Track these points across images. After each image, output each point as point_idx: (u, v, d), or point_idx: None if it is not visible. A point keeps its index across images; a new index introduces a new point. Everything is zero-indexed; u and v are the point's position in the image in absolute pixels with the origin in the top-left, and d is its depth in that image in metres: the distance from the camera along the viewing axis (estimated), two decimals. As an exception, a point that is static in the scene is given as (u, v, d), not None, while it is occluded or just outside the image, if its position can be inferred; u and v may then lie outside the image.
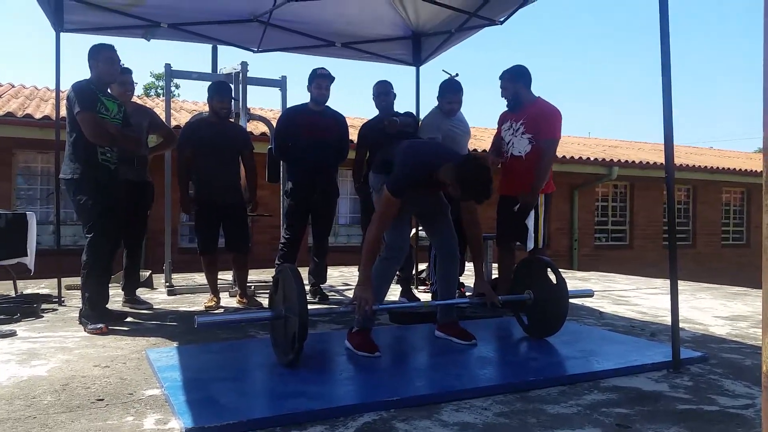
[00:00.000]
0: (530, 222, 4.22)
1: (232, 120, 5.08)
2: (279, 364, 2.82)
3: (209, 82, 4.69)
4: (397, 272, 5.24)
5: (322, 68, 4.68)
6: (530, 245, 4.29)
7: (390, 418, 2.21)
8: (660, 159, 12.50)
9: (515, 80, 4.33)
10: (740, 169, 14.23)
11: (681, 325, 3.55)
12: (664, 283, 6.28)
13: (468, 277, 6.19)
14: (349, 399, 2.38)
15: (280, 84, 5.66)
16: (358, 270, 3.02)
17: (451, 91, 4.53)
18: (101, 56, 3.80)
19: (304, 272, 5.31)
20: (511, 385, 2.57)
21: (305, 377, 2.63)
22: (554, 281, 3.37)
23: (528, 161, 4.20)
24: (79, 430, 2.06)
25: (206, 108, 4.72)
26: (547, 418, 2.23)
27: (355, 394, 2.50)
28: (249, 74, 5.42)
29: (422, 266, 6.01)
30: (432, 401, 2.37)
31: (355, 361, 2.96)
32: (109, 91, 4.00)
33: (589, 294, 3.73)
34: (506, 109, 4.46)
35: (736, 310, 4.79)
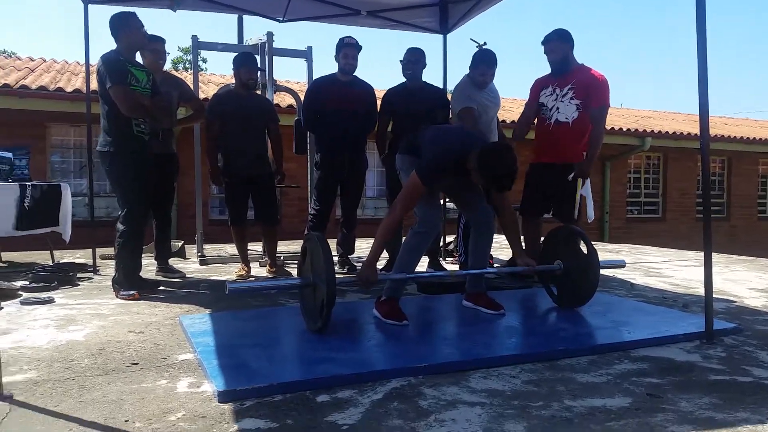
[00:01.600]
0: (587, 191, 4.16)
1: (258, 92, 5.08)
2: (308, 330, 2.86)
3: (235, 54, 4.68)
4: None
5: (349, 37, 4.62)
6: (591, 215, 4.23)
7: (418, 384, 2.22)
8: (694, 129, 12.19)
9: (566, 41, 4.20)
10: (778, 140, 13.81)
11: (714, 296, 3.48)
12: (697, 255, 6.15)
13: (496, 249, 6.16)
14: (377, 365, 2.40)
15: (306, 55, 5.63)
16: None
17: (485, 63, 4.45)
18: (126, 24, 3.81)
19: (332, 243, 5.37)
20: (540, 353, 2.56)
21: (334, 344, 2.66)
22: (585, 251, 3.33)
23: (575, 128, 4.10)
24: (115, 392, 2.12)
25: (233, 80, 4.72)
26: (577, 386, 2.22)
27: (384, 360, 2.53)
28: (275, 45, 5.40)
29: (449, 238, 5.99)
30: (460, 368, 2.37)
31: (384, 329, 2.98)
32: (138, 59, 4.02)
33: (620, 265, 3.68)
34: (549, 73, 4.33)
35: (772, 283, 4.68)
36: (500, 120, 4.92)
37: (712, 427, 1.86)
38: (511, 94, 13.89)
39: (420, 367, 2.34)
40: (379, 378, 2.26)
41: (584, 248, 3.36)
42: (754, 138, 13.66)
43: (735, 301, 3.88)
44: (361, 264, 5.32)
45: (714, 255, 5.98)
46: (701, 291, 2.87)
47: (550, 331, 3.05)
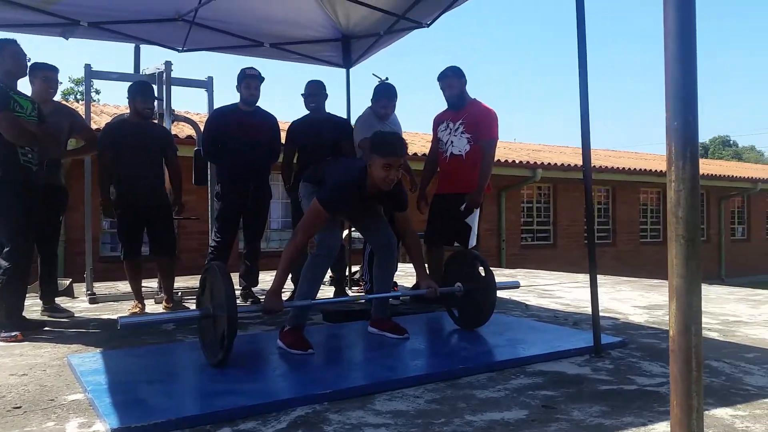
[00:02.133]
0: (474, 221, 4.31)
1: (155, 121, 4.94)
2: (209, 364, 2.77)
3: (131, 83, 4.54)
4: (330, 274, 5.27)
5: (251, 68, 4.62)
6: (472, 242, 4.39)
7: (323, 410, 2.21)
8: (580, 161, 13.06)
9: (461, 77, 4.41)
10: (656, 170, 15.05)
11: (602, 314, 3.72)
12: (586, 277, 6.53)
13: (400, 277, 6.26)
14: (281, 394, 2.36)
15: (207, 85, 5.54)
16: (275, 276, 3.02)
17: (386, 96, 4.59)
18: (6, 52, 3.63)
19: (235, 277, 5.24)
20: (442, 373, 2.62)
21: (236, 376, 2.59)
22: (483, 274, 3.46)
23: (468, 160, 4.28)
24: (-6, 438, 1.95)
25: (128, 110, 4.57)
26: (477, 402, 2.29)
27: (288, 389, 2.49)
28: (173, 75, 5.29)
29: (355, 267, 6.02)
30: (365, 392, 2.38)
31: (288, 358, 2.94)
32: (28, 90, 3.83)
33: (515, 285, 3.86)
34: (445, 108, 4.52)
35: (653, 300, 5.06)
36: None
37: (601, 433, 1.98)
38: (413, 128, 14.32)
39: (325, 394, 2.33)
40: (283, 407, 2.22)
41: (482, 272, 3.50)
42: (635, 168, 14.83)
43: (620, 318, 4.16)
44: (264, 296, 5.28)
45: (601, 277, 6.41)
46: (590, 310, 3.06)
47: (451, 351, 3.13)
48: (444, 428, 2.01)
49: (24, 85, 3.88)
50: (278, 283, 2.98)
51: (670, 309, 1.31)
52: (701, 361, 1.30)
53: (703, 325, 3.85)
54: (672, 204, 1.32)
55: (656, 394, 2.40)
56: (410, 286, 5.42)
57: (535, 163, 13.09)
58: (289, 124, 4.87)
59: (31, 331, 3.63)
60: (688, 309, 1.29)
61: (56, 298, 4.47)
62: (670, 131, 1.33)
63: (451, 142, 4.38)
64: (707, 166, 18.87)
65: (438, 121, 4.57)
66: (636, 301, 5.04)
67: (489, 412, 2.17)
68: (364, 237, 3.56)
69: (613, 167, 14.35)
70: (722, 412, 2.18)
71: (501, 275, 7.37)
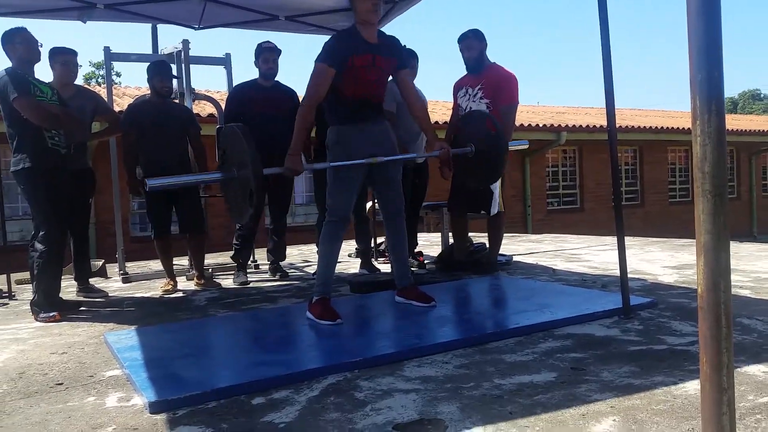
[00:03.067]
0: (495, 187, 4.28)
1: (176, 100, 4.97)
2: (237, 224, 2.84)
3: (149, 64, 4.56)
4: (356, 246, 5.30)
5: (268, 41, 4.61)
6: (494, 209, 4.37)
7: (354, 378, 2.25)
8: (605, 122, 12.82)
9: (481, 40, 4.34)
10: (683, 128, 14.70)
11: (631, 276, 3.69)
12: (614, 240, 6.47)
13: (425, 247, 6.27)
14: (312, 363, 2.41)
15: (225, 62, 5.54)
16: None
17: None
18: (16, 39, 3.67)
19: (262, 252, 5.32)
20: (469, 339, 2.64)
21: (268, 347, 2.65)
22: (493, 132, 3.45)
23: None
24: (39, 413, 2.03)
25: (149, 91, 4.60)
26: (505, 366, 2.31)
27: (319, 358, 2.54)
28: (191, 53, 5.29)
29: (381, 239, 6.05)
30: (394, 359, 2.42)
31: (318, 329, 2.98)
32: (49, 77, 3.87)
33: (524, 144, 3.92)
34: (465, 74, 4.47)
35: (683, 260, 4.99)
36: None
37: (632, 392, 1.98)
38: (433, 96, 14.16)
39: (355, 362, 2.37)
40: (314, 376, 2.27)
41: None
42: (663, 127, 14.50)
43: (650, 279, 4.12)
44: (293, 271, 5.34)
45: (629, 239, 6.34)
46: (618, 272, 3.04)
47: (478, 317, 3.15)
48: (473, 392, 2.03)
49: (45, 73, 3.92)
50: (296, 144, 3.10)
51: (698, 266, 1.30)
52: (730, 317, 1.28)
53: (734, 283, 3.81)
54: (698, 159, 1.29)
55: (687, 353, 2.38)
56: (435, 255, 5.43)
57: (560, 125, 12.88)
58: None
59: (68, 311, 3.74)
60: (717, 265, 1.27)
61: (90, 279, 4.59)
62: (694, 85, 1.30)
63: (470, 107, 4.33)
64: (737, 122, 18.37)
65: (458, 87, 4.52)
66: (665, 261, 4.98)
67: (518, 376, 2.19)
68: (377, 199, 3.54)
69: (639, 126, 14.04)
70: (754, 369, 2.16)
71: (527, 241, 7.34)
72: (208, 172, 4.29)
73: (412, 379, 2.20)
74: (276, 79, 4.68)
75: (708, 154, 1.28)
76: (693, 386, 1.99)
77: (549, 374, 2.19)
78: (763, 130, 16.59)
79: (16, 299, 4.45)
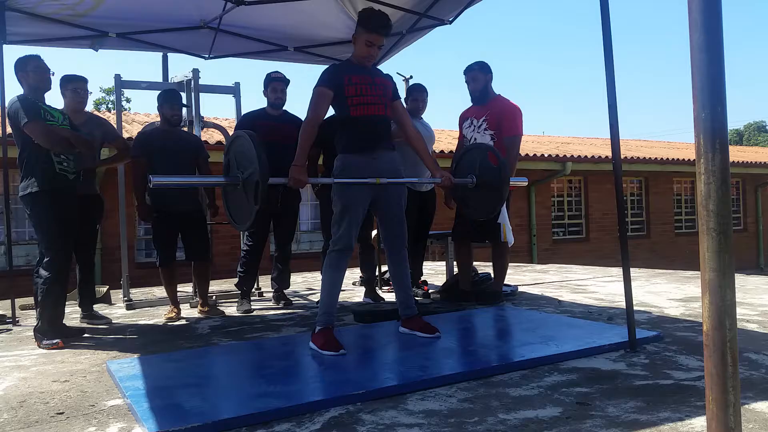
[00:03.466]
0: (504, 218, 4.29)
1: (185, 128, 5.03)
2: (242, 229, 2.87)
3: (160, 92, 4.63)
4: (360, 274, 5.29)
5: (277, 72, 4.67)
6: (510, 239, 4.37)
7: (356, 411, 2.23)
8: (611, 152, 12.86)
9: (486, 72, 4.41)
10: (688, 159, 14.71)
11: (637, 308, 3.67)
12: (620, 271, 6.46)
13: (429, 276, 6.26)
14: (314, 395, 2.39)
15: (234, 90, 5.62)
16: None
17: (416, 90, 4.81)
18: (29, 67, 3.74)
19: (266, 280, 5.31)
20: (474, 372, 2.61)
21: (271, 378, 2.63)
22: (495, 166, 3.46)
23: None
24: (39, 443, 2.02)
25: (158, 119, 4.67)
26: (510, 400, 2.28)
27: (321, 390, 2.52)
28: (201, 82, 5.38)
29: (385, 267, 6.04)
30: (398, 392, 2.39)
31: (321, 360, 2.96)
32: (60, 103, 3.93)
33: (523, 182, 3.91)
34: (470, 104, 4.53)
35: (689, 292, 4.96)
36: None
37: (637, 428, 1.96)
38: (438, 125, 14.27)
39: (357, 394, 2.34)
40: (317, 408, 2.25)
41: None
42: (668, 158, 14.52)
43: (656, 312, 4.09)
44: (296, 299, 5.33)
45: (635, 270, 6.30)
46: (624, 304, 3.02)
47: (483, 349, 3.11)
48: (477, 427, 2.01)
49: (56, 100, 3.99)
50: (300, 157, 3.15)
51: (703, 303, 1.29)
52: (736, 355, 1.27)
53: (741, 317, 3.78)
54: (702, 197, 1.30)
55: (693, 389, 2.35)
56: (440, 284, 5.41)
57: (565, 156, 12.92)
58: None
59: (71, 338, 3.73)
60: (722, 303, 1.27)
61: (94, 305, 4.59)
62: (698, 122, 1.31)
63: (475, 138, 4.37)
64: (742, 153, 18.39)
65: (463, 118, 4.57)
66: (671, 293, 4.95)
67: (523, 410, 2.16)
68: (379, 229, 3.55)
69: (645, 158, 14.07)
70: (762, 406, 2.13)
71: (532, 271, 7.31)
72: (213, 176, 4.35)
73: (415, 413, 2.18)
74: (284, 108, 4.73)
75: (712, 193, 1.28)
76: (699, 422, 1.96)
77: (554, 409, 2.17)
78: (769, 162, 16.60)
79: (20, 325, 4.45)
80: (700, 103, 1.31)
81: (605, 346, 2.98)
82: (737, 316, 1.30)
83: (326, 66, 3.40)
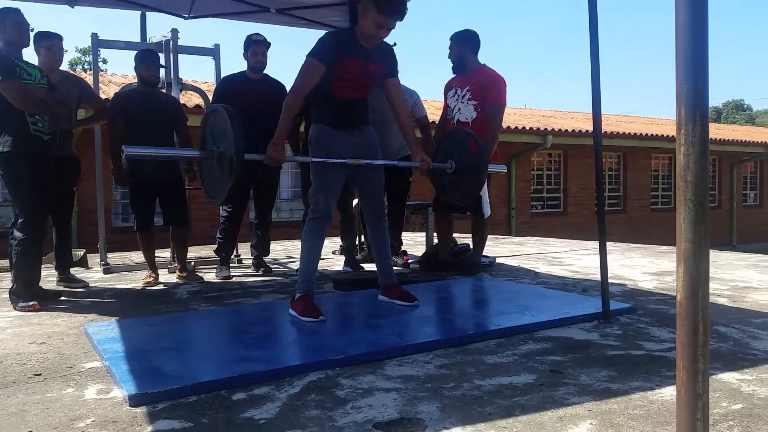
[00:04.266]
0: (483, 188, 4.29)
1: (162, 90, 4.93)
2: (215, 203, 2.94)
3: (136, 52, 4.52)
4: (341, 243, 5.30)
5: (258, 34, 4.58)
6: (487, 211, 4.39)
7: (335, 375, 2.25)
8: (591, 127, 12.94)
9: (462, 44, 4.38)
10: (667, 135, 14.86)
11: (612, 281, 3.74)
12: (596, 245, 6.55)
13: (409, 246, 6.29)
14: (294, 360, 2.41)
15: (213, 52, 5.51)
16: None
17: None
18: (8, 20, 3.61)
19: (246, 247, 5.30)
20: (451, 339, 2.65)
21: (250, 343, 2.64)
22: (474, 152, 3.47)
23: (474, 127, 4.24)
24: (16, 404, 2.01)
25: (136, 80, 4.57)
26: (486, 367, 2.33)
27: (300, 355, 2.54)
28: (180, 43, 5.25)
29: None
30: (376, 358, 2.42)
31: (300, 326, 2.98)
32: (36, 60, 3.82)
33: (502, 169, 3.95)
34: (452, 73, 4.51)
35: (663, 267, 5.06)
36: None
37: (609, 396, 2.01)
38: (422, 96, 14.17)
39: (336, 360, 2.37)
40: (296, 372, 2.27)
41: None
42: (647, 134, 14.65)
43: (630, 285, 4.17)
44: (276, 266, 5.33)
45: (611, 244, 6.39)
46: (599, 276, 3.07)
47: (460, 318, 3.16)
48: (453, 392, 2.05)
49: (30, 58, 3.87)
50: (280, 133, 3.07)
51: (678, 273, 1.32)
52: (708, 325, 1.31)
53: (712, 291, 3.86)
54: (681, 168, 1.31)
55: (664, 359, 2.42)
56: (420, 254, 5.45)
57: (546, 129, 12.97)
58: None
59: (47, 301, 3.70)
60: (696, 273, 1.29)
61: (71, 269, 4.54)
62: (680, 94, 1.32)
63: (458, 108, 4.35)
64: (720, 131, 18.62)
65: (448, 87, 4.54)
66: (646, 267, 5.04)
67: (498, 377, 2.21)
68: (359, 198, 3.54)
69: (624, 132, 14.17)
70: (729, 377, 2.20)
71: (510, 243, 7.39)
72: (188, 149, 4.30)
73: (393, 378, 2.22)
74: (264, 72, 4.65)
75: (691, 164, 1.30)
76: (669, 392, 2.02)
77: (528, 376, 2.22)
78: (746, 141, 16.85)
79: (-6, 287, 4.39)
80: (683, 76, 1.31)
81: (579, 317, 3.04)
82: (710, 291, 1.34)
83: (320, 32, 3.25)
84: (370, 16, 2.98)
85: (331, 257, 5.82)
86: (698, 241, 1.31)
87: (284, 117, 3.10)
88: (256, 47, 4.52)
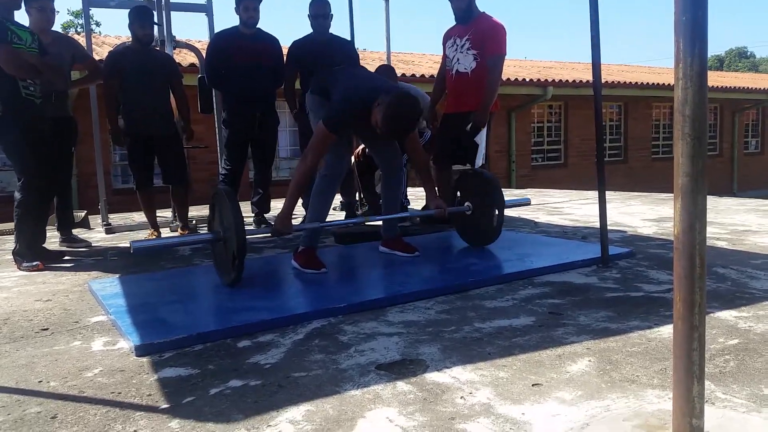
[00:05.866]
0: (481, 139, 4.25)
1: (156, 48, 4.86)
2: (223, 285, 2.85)
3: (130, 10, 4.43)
4: (340, 198, 5.31)
5: (249, -12, 4.48)
6: (479, 162, 4.37)
7: (338, 322, 2.29)
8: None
9: None
10: (669, 84, 14.66)
11: (611, 228, 3.75)
12: (596, 194, 6.56)
13: (411, 200, 6.29)
14: (297, 309, 2.44)
15: (206, 9, 5.39)
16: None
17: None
18: None
19: (246, 205, 5.30)
20: (451, 286, 2.69)
21: (253, 294, 2.67)
22: (492, 192, 3.47)
23: (474, 78, 4.17)
24: (25, 356, 2.05)
25: (129, 40, 4.49)
26: (486, 311, 2.36)
27: (304, 304, 2.58)
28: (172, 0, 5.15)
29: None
30: (378, 306, 2.46)
31: (303, 277, 3.01)
32: (26, 22, 3.75)
33: (526, 202, 3.87)
34: (454, 24, 4.40)
35: (662, 213, 5.07)
36: (410, 74, 4.99)
37: (607, 335, 2.05)
38: (420, 50, 13.98)
39: (339, 308, 2.40)
40: (299, 320, 2.31)
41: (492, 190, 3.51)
42: (648, 83, 14.45)
43: (629, 231, 4.19)
44: (274, 220, 5.34)
45: (611, 193, 6.39)
46: (598, 224, 3.08)
47: (460, 266, 3.18)
48: (454, 335, 2.08)
49: (20, 19, 3.80)
50: (288, 207, 3.01)
51: (675, 208, 1.32)
52: (704, 258, 1.32)
53: (711, 235, 3.89)
54: (679, 102, 1.30)
55: (662, 300, 2.45)
56: (420, 208, 5.45)
57: (546, 80, 12.80)
58: (290, 45, 4.75)
59: (51, 261, 3.73)
60: (693, 207, 1.30)
61: (73, 230, 4.56)
62: (679, 27, 1.30)
63: (458, 59, 4.28)
64: (722, 79, 18.37)
65: (446, 38, 4.44)
66: (646, 214, 5.06)
67: (497, 320, 2.24)
68: (372, 154, 3.55)
69: (625, 82, 13.98)
70: (726, 314, 2.23)
71: (511, 194, 7.39)
72: (197, 234, 4.28)
73: (395, 323, 2.25)
74: (258, 27, 4.57)
75: (689, 98, 1.29)
76: (667, 330, 2.05)
77: (527, 318, 2.25)
78: (748, 87, 16.64)
79: (-1, 249, 4.42)
80: (682, 7, 1.29)
81: (578, 262, 3.06)
82: (709, 234, 1.34)
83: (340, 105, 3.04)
84: (377, 118, 2.91)
85: (332, 213, 5.82)
86: (696, 175, 1.30)
87: (293, 190, 3.02)
88: (248, 2, 4.43)
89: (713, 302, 2.35)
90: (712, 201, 5.62)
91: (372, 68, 4.50)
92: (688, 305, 1.34)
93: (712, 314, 2.21)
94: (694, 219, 1.32)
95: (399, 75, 6.12)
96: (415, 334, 2.11)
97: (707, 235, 1.34)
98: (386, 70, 4.83)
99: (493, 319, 2.25)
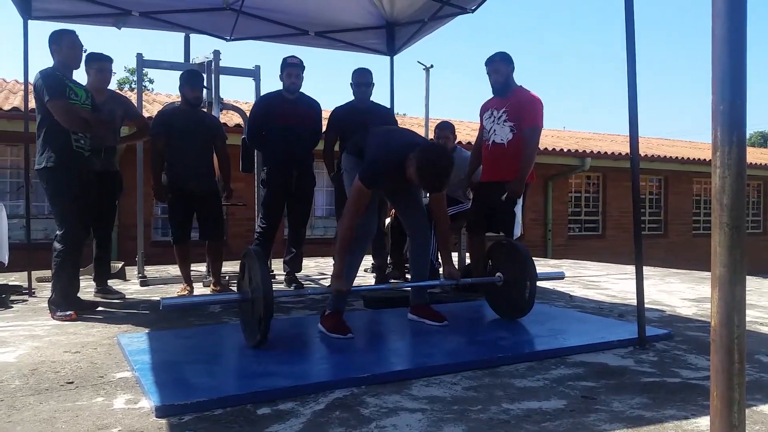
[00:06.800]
0: (518, 209, 4.24)
1: (204, 109, 5.05)
2: (248, 347, 2.83)
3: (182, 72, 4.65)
4: (372, 261, 5.30)
5: (293, 56, 4.67)
6: (517, 232, 4.34)
7: (361, 393, 2.24)
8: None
9: (508, 63, 4.33)
10: (709, 160, 14.46)
11: (649, 306, 3.64)
12: (634, 269, 6.40)
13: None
14: (320, 376, 2.40)
15: (254, 74, 5.63)
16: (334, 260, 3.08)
17: (440, 128, 5.02)
18: (64, 42, 3.77)
19: (279, 263, 5.34)
20: (480, 361, 2.61)
21: (278, 358, 2.65)
22: (525, 264, 3.42)
23: (510, 149, 4.19)
24: (47, 410, 2.05)
25: (179, 99, 4.70)
26: (515, 391, 2.28)
27: (327, 372, 2.53)
28: (222, 64, 5.39)
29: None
30: (402, 378, 2.40)
31: (328, 342, 2.98)
32: (84, 79, 3.97)
33: (559, 276, 3.79)
34: (491, 95, 4.47)
35: (703, 293, 4.90)
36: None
37: (641, 425, 1.94)
38: (458, 116, 14.20)
39: (363, 377, 2.35)
40: (321, 389, 2.26)
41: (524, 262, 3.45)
42: (689, 158, 14.31)
43: (668, 311, 4.05)
44: (308, 283, 5.35)
45: (650, 269, 6.23)
46: (636, 301, 2.99)
47: (490, 340, 3.11)
48: (480, 415, 2.01)
49: (80, 77, 4.02)
50: (339, 267, 3.08)
51: (713, 299, 1.28)
52: (744, 353, 1.26)
53: (755, 319, 3.73)
54: (716, 191, 1.28)
55: (701, 388, 2.33)
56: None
57: (584, 151, 12.79)
58: (332, 110, 4.90)
59: (84, 311, 3.79)
60: (731, 299, 1.25)
61: (109, 281, 4.65)
62: (716, 115, 1.29)
63: (494, 130, 4.32)
64: (765, 156, 18.05)
65: (484, 109, 4.52)
66: (685, 293, 4.89)
67: (527, 401, 2.16)
68: (400, 218, 3.57)
69: (665, 156, 13.87)
70: (771, 408, 2.10)
71: (546, 266, 7.27)
72: (226, 292, 4.38)
73: (419, 398, 2.19)
74: (300, 91, 4.73)
75: (727, 187, 1.26)
76: (705, 422, 1.94)
77: (559, 402, 2.16)
78: (792, 165, 16.27)
79: (36, 296, 4.52)
80: (720, 96, 1.28)
81: (614, 342, 2.96)
82: (751, 318, 1.29)
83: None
84: (411, 170, 2.98)
85: (363, 275, 5.81)
86: (734, 266, 1.26)
87: (340, 250, 3.09)
88: (291, 70, 4.61)
89: (755, 394, 2.23)
90: (754, 282, 5.42)
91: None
92: (726, 402, 1.27)
93: (754, 408, 2.09)
94: (732, 311, 1.27)
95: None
96: (440, 412, 2.04)
97: (748, 320, 1.28)
98: (446, 126, 5.06)
99: (522, 400, 2.16)
